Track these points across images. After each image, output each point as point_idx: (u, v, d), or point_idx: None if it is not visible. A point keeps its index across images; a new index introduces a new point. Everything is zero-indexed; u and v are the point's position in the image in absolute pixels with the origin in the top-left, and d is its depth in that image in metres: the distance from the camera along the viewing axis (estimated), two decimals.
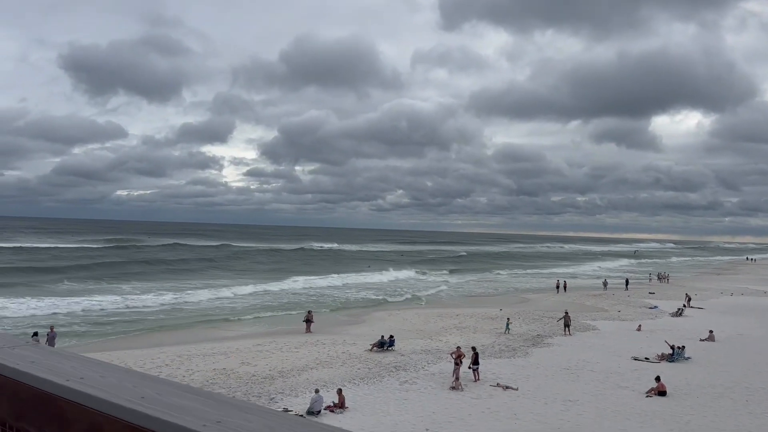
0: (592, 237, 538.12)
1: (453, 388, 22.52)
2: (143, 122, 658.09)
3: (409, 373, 25.00)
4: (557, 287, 63.51)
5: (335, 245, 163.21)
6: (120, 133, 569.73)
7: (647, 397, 21.94)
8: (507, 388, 22.70)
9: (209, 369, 25.27)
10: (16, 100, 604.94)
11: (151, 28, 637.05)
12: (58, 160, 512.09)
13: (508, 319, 37.91)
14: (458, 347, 25.68)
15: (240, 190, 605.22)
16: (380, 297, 56.79)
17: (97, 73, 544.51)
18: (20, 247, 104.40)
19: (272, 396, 21.45)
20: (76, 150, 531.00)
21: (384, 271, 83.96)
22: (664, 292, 63.78)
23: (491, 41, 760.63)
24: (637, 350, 31.08)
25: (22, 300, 44.91)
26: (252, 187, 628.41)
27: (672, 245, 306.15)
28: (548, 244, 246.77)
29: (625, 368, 26.86)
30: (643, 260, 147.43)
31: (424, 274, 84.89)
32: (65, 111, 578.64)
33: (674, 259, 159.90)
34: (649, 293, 62.25)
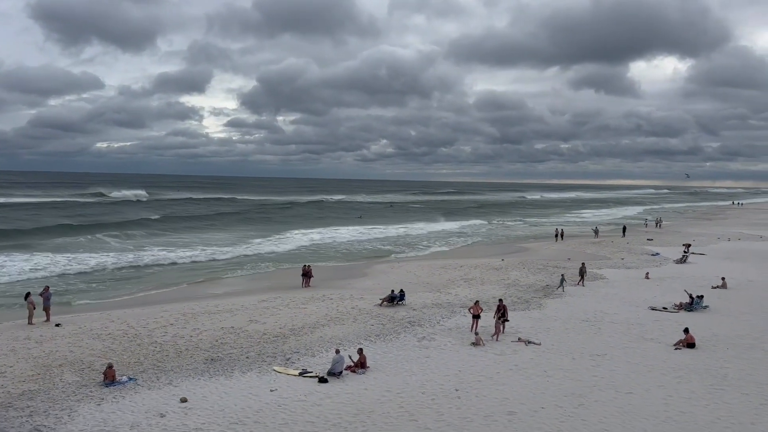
0: (578, 184, 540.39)
1: (474, 343, 21.63)
2: (119, 72, 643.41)
3: (425, 329, 24.08)
4: (556, 236, 62.96)
5: (346, 197, 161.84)
6: (96, 83, 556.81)
7: (676, 349, 21.23)
8: (529, 342, 21.87)
9: (217, 328, 24.17)
10: None
11: None
12: (34, 112, 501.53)
13: (563, 275, 34.46)
14: (476, 302, 24.72)
15: (222, 141, 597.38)
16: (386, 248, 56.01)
17: (69, 23, 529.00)
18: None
19: (288, 356, 20.43)
20: (53, 102, 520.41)
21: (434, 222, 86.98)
22: (662, 238, 63.47)
23: None
24: (651, 299, 30.45)
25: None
26: (234, 138, 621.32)
27: (653, 191, 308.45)
28: (539, 193, 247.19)
29: (645, 319, 26.17)
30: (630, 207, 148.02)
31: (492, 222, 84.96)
32: (39, 62, 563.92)
33: (666, 205, 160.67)
34: (648, 240, 61.84)
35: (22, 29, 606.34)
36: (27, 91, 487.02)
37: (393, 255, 52.29)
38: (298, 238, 64.21)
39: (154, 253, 48.57)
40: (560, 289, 32.58)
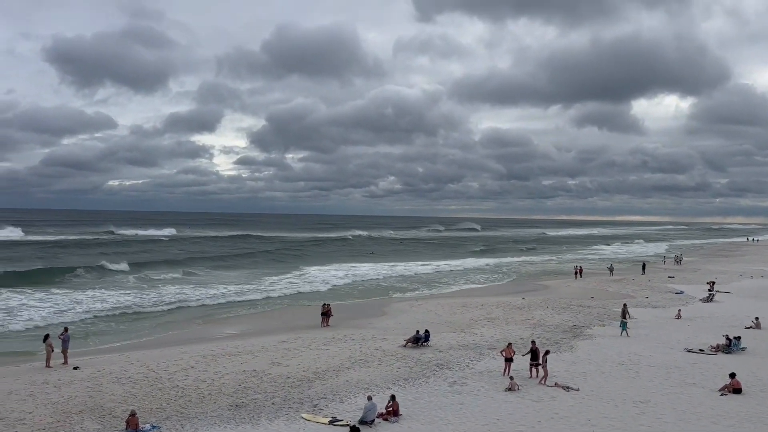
0: (588, 220, 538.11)
1: (509, 388, 20.70)
2: (132, 113, 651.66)
3: (455, 373, 23.17)
4: (575, 273, 61.91)
5: (356, 233, 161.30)
6: (109, 123, 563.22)
7: (721, 395, 20.21)
8: (568, 388, 20.89)
9: (239, 371, 23.37)
10: (3, 92, 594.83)
11: (133, 21, 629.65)
12: (47, 151, 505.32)
13: (625, 314, 33.10)
14: (509, 344, 23.83)
15: (232, 179, 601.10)
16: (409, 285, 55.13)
17: (82, 65, 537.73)
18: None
19: (315, 402, 19.56)
20: (66, 141, 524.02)
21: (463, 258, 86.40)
22: (683, 276, 62.31)
23: (468, 30, 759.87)
24: (685, 340, 29.39)
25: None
26: (244, 175, 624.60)
27: (672, 227, 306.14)
28: (550, 230, 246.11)
29: (683, 361, 25.13)
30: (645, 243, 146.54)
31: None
32: (53, 103, 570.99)
33: (679, 242, 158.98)
34: (669, 277, 60.69)
35: (37, 71, 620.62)
36: (41, 131, 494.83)
37: (410, 293, 51.43)
38: (313, 274, 63.57)
39: (170, 292, 48.04)
40: (624, 332, 31.01)
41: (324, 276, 62.38)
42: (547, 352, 22.51)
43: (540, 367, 22.29)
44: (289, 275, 62.98)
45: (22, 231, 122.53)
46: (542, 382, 21.54)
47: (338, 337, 30.41)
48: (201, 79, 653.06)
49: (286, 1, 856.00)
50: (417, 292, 52.36)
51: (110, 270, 60.87)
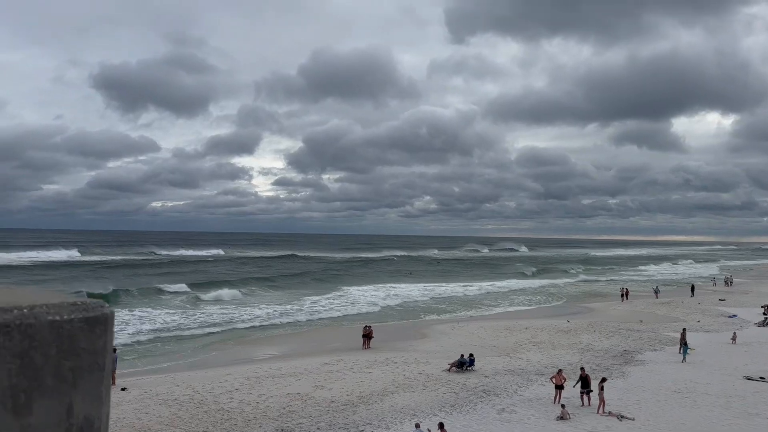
0: (631, 240, 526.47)
1: (561, 417, 20.01)
2: (174, 136, 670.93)
3: (502, 399, 22.56)
4: (621, 295, 60.22)
5: (409, 253, 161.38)
6: (152, 146, 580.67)
7: None
8: (623, 417, 20.09)
9: (282, 393, 23.22)
10: (52, 117, 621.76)
11: (175, 48, 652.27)
12: (93, 173, 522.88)
13: (685, 342, 31.11)
14: (560, 370, 23.14)
15: (270, 200, 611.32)
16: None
17: (127, 91, 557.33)
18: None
19: (360, 428, 19.25)
20: (111, 164, 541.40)
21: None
22: (734, 299, 60.03)
23: (502, 50, 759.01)
24: (743, 367, 28.11)
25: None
26: (281, 196, 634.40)
27: (721, 247, 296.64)
28: (589, 250, 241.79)
29: (743, 390, 23.98)
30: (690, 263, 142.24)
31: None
32: (99, 127, 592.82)
33: (728, 262, 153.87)
34: (720, 300, 58.54)
35: (85, 97, 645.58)
36: (87, 154, 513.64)
37: (450, 314, 50.77)
38: (352, 294, 63.42)
39: (216, 312, 48.54)
40: (684, 357, 29.85)
41: (363, 296, 62.18)
42: (603, 380, 21.71)
43: (591, 395, 21.53)
44: (329, 295, 62.98)
45: (78, 251, 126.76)
46: (599, 411, 20.77)
47: (380, 359, 30.05)
48: (240, 103, 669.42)
49: (323, 26, 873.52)
50: (458, 313, 51.66)
51: (160, 290, 61.07)
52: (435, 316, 49.62)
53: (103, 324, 1.29)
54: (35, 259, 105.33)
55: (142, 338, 37.30)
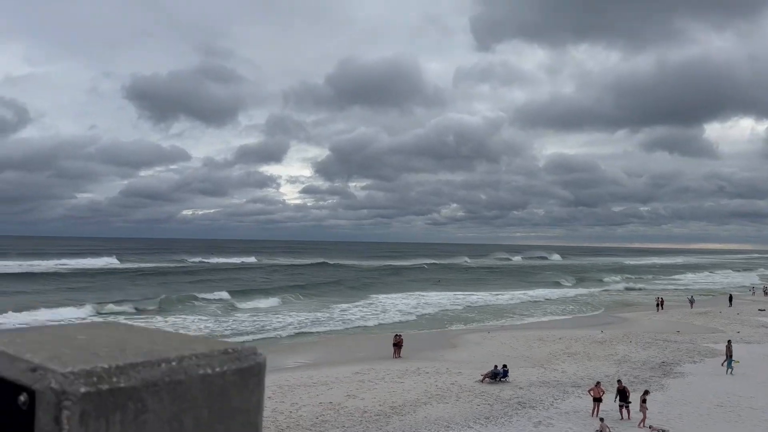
0: (663, 248, 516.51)
1: (599, 431, 19.48)
2: (204, 145, 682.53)
3: (538, 412, 22.10)
4: (657, 305, 58.89)
5: (438, 261, 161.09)
6: (183, 155, 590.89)
7: None
8: (662, 431, 19.50)
9: (315, 403, 23.12)
10: (86, 127, 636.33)
11: (205, 59, 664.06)
12: (126, 182, 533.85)
13: (730, 354, 29.90)
14: (598, 383, 22.59)
15: (297, 207, 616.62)
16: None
17: (159, 102, 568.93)
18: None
19: None
20: (143, 173, 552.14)
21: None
22: None
23: (528, 57, 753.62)
24: None
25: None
26: (309, 204, 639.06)
27: (759, 255, 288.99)
28: (622, 258, 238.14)
29: None
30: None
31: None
32: (132, 137, 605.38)
33: (764, 271, 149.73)
34: (759, 310, 56.86)
35: (117, 108, 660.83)
36: (120, 164, 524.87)
37: (480, 323, 50.22)
38: (381, 302, 63.25)
39: (248, 319, 48.89)
40: (729, 370, 29.00)
41: (393, 304, 61.95)
42: (646, 393, 21.11)
43: (631, 408, 20.96)
44: (359, 303, 62.90)
45: (117, 259, 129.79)
46: (640, 425, 20.22)
47: (411, 369, 29.79)
48: (268, 112, 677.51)
49: (350, 36, 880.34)
50: (488, 323, 51.07)
51: (201, 298, 61.22)
52: (465, 326, 49.12)
53: (257, 375, 1.10)
54: (75, 267, 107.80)
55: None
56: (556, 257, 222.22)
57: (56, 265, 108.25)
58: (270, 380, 26.95)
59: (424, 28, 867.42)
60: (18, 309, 47.70)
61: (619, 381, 22.40)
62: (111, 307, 52.47)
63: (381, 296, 70.18)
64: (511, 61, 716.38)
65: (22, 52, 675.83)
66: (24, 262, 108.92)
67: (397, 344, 34.69)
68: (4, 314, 45.16)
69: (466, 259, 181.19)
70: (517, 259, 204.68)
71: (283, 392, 24.65)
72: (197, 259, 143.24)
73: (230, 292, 64.21)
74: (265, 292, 67.86)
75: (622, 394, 21.24)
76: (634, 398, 21.67)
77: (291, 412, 21.87)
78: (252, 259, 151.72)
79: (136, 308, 52.75)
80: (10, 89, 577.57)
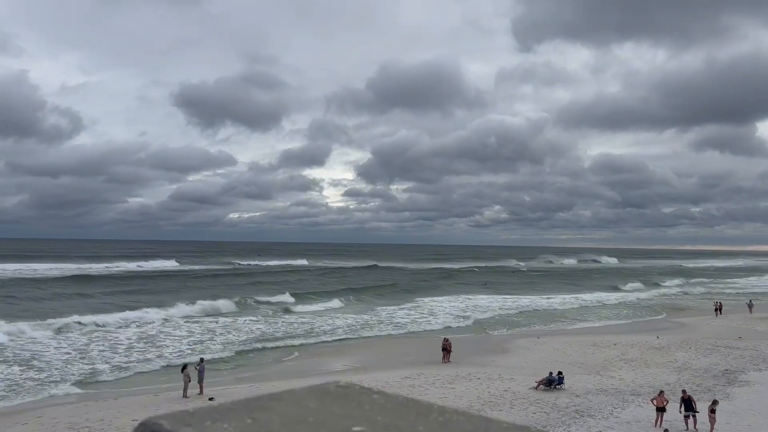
0: (717, 250, 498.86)
1: None
2: (250, 150, 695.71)
3: (598, 421, 21.33)
4: (715, 309, 56.63)
5: (486, 263, 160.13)
6: (230, 160, 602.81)
7: None
8: None
9: None
10: (137, 134, 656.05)
11: (250, 66, 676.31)
12: (174, 187, 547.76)
13: None
14: (661, 392, 21.65)
15: (340, 210, 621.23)
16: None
17: (206, 108, 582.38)
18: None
19: None
20: (191, 177, 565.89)
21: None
22: None
23: (572, 57, 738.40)
24: None
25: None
26: (351, 207, 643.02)
27: None
28: (680, 261, 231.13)
29: None
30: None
31: None
32: (180, 143, 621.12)
33: None
34: None
35: (167, 115, 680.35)
36: (169, 169, 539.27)
37: (529, 327, 49.23)
38: (428, 306, 62.77)
39: (298, 321, 49.27)
40: None
41: (440, 307, 61.44)
42: (715, 402, 20.10)
43: (698, 417, 20.01)
44: (405, 306, 62.67)
45: (177, 262, 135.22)
46: None
47: (462, 374, 29.28)
48: (311, 117, 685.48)
49: (390, 40, 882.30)
50: (538, 327, 50.03)
51: (250, 299, 61.84)
52: (516, 330, 48.23)
53: None
54: (145, 270, 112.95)
55: (228, 348, 38.04)
56: (608, 260, 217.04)
57: (117, 267, 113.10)
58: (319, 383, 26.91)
59: (464, 30, 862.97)
60: (120, 309, 49.92)
61: (683, 391, 21.39)
62: (198, 308, 53.56)
63: (427, 299, 69.74)
64: (553, 61, 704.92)
65: (76, 62, 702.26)
66: (96, 264, 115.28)
67: (446, 349, 34.20)
68: (116, 314, 47.84)
69: (517, 262, 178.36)
70: (567, 261, 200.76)
71: None
72: (252, 262, 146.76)
73: (292, 295, 65.00)
74: (318, 295, 68.36)
75: (688, 404, 20.28)
76: (702, 408, 20.69)
77: None
78: (303, 262, 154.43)
79: (212, 311, 53.88)
80: (66, 98, 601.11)
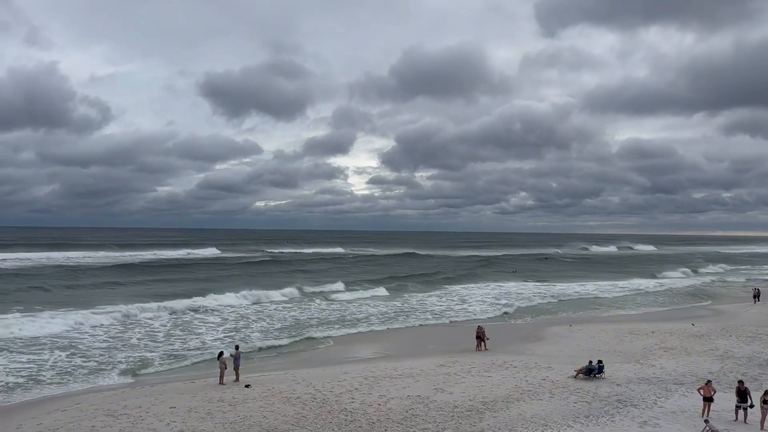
0: (751, 236, 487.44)
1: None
2: (275, 138, 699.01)
3: (642, 411, 20.70)
4: (754, 296, 55.11)
5: (494, 252, 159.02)
6: (255, 149, 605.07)
7: None
8: None
9: (403, 396, 22.62)
10: (164, 123, 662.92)
11: (274, 55, 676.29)
12: (202, 176, 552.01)
13: None
14: (709, 381, 20.87)
15: (365, 198, 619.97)
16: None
17: (232, 98, 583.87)
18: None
19: None
20: (218, 166, 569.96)
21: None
22: None
23: (597, 41, 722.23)
24: None
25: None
26: (376, 194, 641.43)
27: None
28: (706, 246, 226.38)
29: None
30: None
31: None
32: (207, 132, 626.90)
33: None
34: None
35: (193, 104, 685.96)
36: (197, 158, 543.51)
37: (562, 313, 48.44)
38: (458, 293, 62.38)
39: (325, 307, 49.23)
40: None
41: (469, 295, 60.99)
42: (767, 393, 19.29)
43: (746, 410, 19.27)
44: (436, 292, 62.43)
45: (218, 249, 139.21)
46: (762, 426, 18.57)
47: (498, 362, 28.83)
48: (335, 105, 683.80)
49: (414, 26, 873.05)
50: (573, 314, 49.21)
51: (306, 288, 61.75)
52: (549, 317, 47.53)
53: None
54: (194, 257, 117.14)
55: (264, 334, 38.13)
56: (642, 247, 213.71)
57: (163, 256, 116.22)
58: (355, 371, 26.77)
59: (487, 16, 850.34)
60: (188, 295, 51.86)
61: (740, 382, 20.40)
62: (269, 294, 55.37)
63: (455, 286, 69.40)
64: (579, 45, 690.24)
65: (104, 53, 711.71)
66: (141, 252, 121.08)
67: (480, 336, 33.78)
68: (198, 297, 50.38)
69: (556, 250, 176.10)
70: (601, 249, 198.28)
71: (369, 384, 24.31)
72: (291, 250, 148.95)
73: (344, 283, 65.39)
74: (369, 283, 68.41)
75: (742, 396, 19.49)
76: (755, 398, 19.94)
77: (380, 404, 21.44)
78: (339, 249, 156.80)
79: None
80: (95, 89, 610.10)
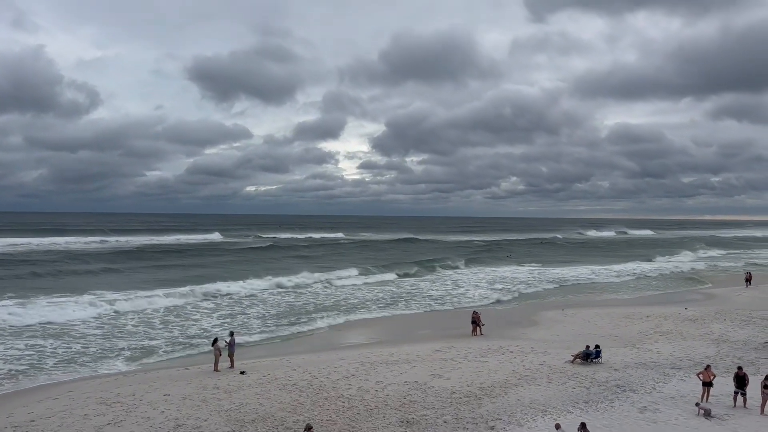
0: (737, 220, 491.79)
1: (706, 414, 17.89)
2: (265, 123, 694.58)
3: (641, 396, 20.61)
4: (746, 280, 55.37)
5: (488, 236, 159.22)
6: (245, 134, 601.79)
7: None
8: None
9: (400, 381, 22.42)
10: (153, 107, 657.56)
11: (263, 39, 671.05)
12: (191, 160, 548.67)
13: None
14: (708, 366, 20.80)
15: (356, 183, 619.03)
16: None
17: (220, 82, 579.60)
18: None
19: (491, 423, 18.01)
20: (208, 151, 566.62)
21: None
22: None
23: (586, 26, 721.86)
24: None
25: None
26: (367, 179, 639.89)
27: None
28: (696, 230, 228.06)
29: None
30: None
31: None
32: (196, 116, 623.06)
33: None
34: None
35: (181, 89, 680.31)
36: (186, 143, 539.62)
37: (556, 297, 48.44)
38: (453, 278, 62.31)
39: (320, 291, 48.97)
40: None
41: (464, 279, 60.91)
42: (767, 378, 19.22)
43: (745, 396, 19.21)
44: (425, 278, 62.25)
45: (221, 234, 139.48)
46: (762, 411, 18.52)
47: (494, 348, 28.70)
48: (325, 89, 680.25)
49: (403, 10, 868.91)
50: (566, 297, 49.24)
51: (318, 273, 61.01)
52: (543, 301, 47.53)
53: None
54: (189, 242, 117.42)
55: (259, 321, 37.86)
56: (637, 232, 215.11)
57: (164, 241, 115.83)
58: (350, 356, 26.54)
59: (477, 0, 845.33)
60: (234, 279, 53.42)
61: (739, 368, 20.34)
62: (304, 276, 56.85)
63: (449, 272, 69.33)
64: (568, 30, 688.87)
65: (91, 36, 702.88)
66: (141, 237, 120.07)
67: (475, 321, 33.66)
68: (240, 282, 51.83)
69: (557, 235, 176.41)
70: (596, 233, 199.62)
71: (366, 370, 24.09)
72: (292, 235, 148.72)
73: (359, 269, 65.22)
74: (376, 268, 67.94)
75: (741, 381, 19.40)
76: (754, 384, 19.90)
77: (377, 391, 21.23)
78: (340, 235, 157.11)
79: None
80: (83, 72, 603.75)
